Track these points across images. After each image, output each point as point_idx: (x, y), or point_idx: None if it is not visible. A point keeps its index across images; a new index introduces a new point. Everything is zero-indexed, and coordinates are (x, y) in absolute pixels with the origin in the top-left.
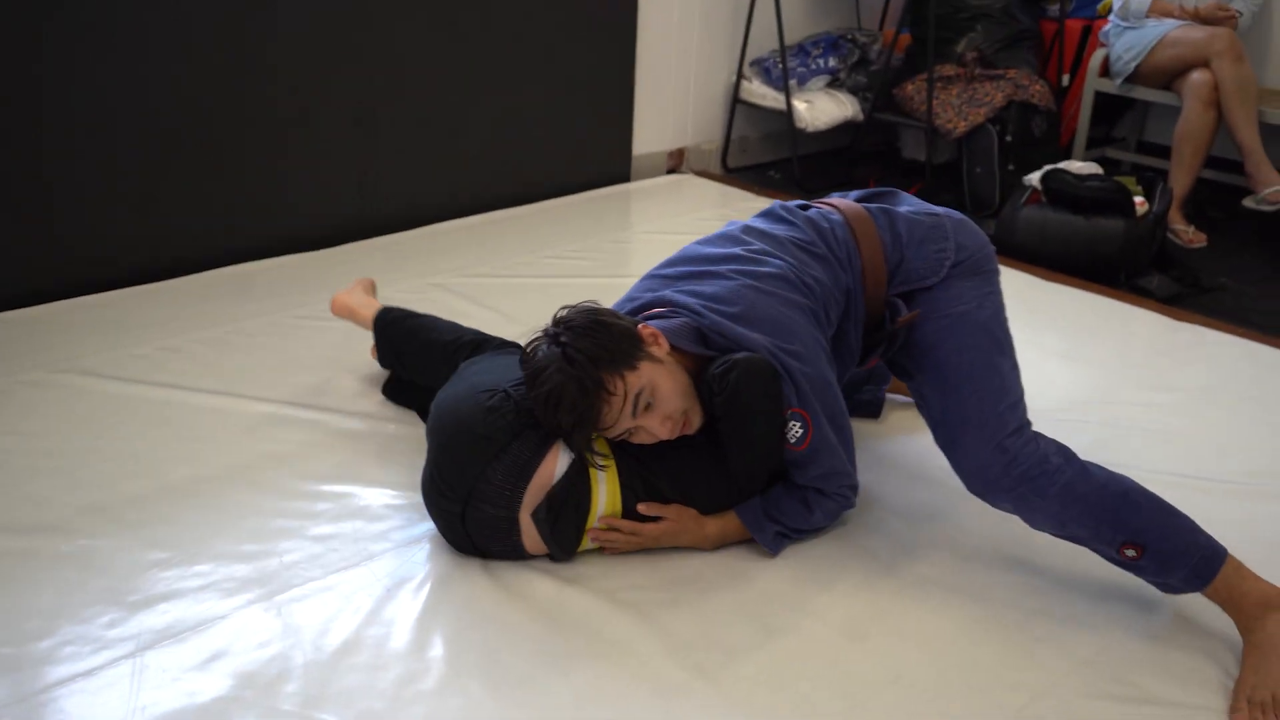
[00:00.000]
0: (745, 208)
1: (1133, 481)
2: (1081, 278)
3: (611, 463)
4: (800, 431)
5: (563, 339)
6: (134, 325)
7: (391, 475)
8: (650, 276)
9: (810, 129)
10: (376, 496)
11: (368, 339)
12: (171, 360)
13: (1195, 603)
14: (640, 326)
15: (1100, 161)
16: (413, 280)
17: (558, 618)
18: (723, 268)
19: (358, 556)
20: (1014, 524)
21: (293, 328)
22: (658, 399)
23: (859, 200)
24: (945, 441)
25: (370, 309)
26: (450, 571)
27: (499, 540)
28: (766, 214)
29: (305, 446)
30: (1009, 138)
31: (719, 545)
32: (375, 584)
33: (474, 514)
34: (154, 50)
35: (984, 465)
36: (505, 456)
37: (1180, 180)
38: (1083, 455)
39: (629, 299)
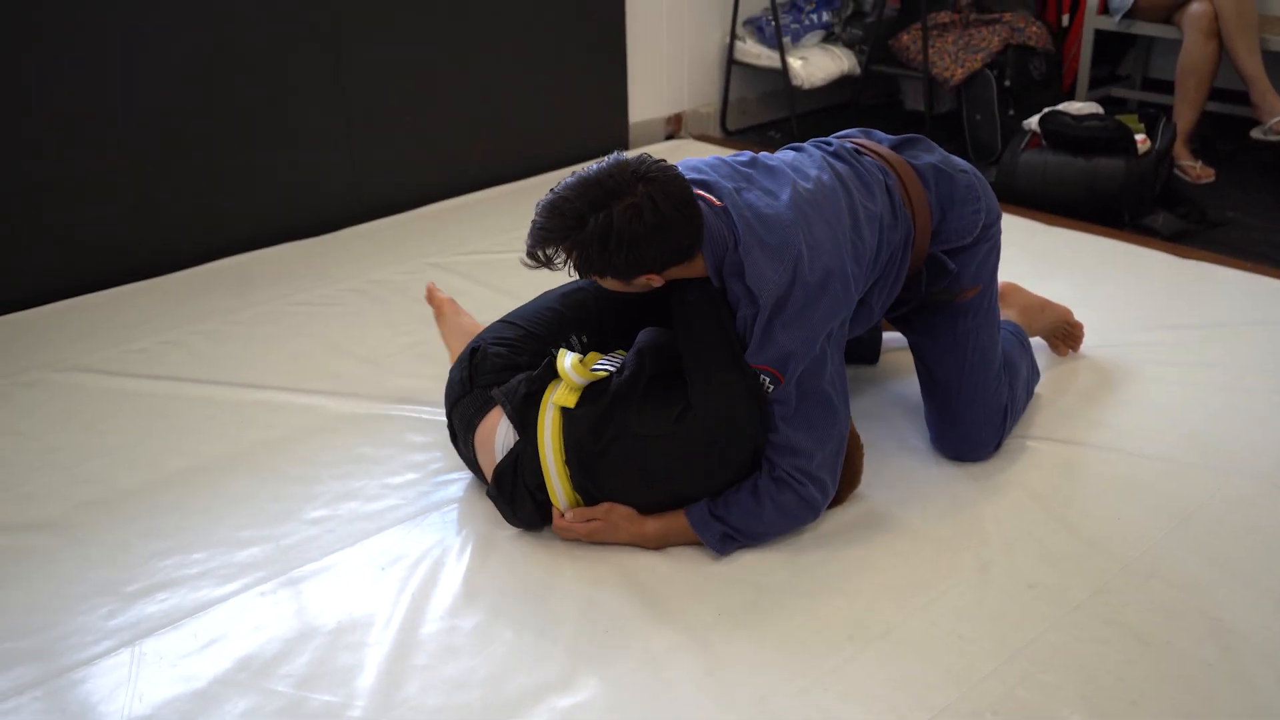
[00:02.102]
0: None
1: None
2: (1085, 220)
3: (560, 448)
4: (771, 385)
5: (644, 200)
6: (132, 322)
7: (387, 455)
8: (721, 160)
9: (806, 86)
10: (372, 477)
11: (356, 322)
12: (170, 354)
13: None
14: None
15: (1105, 101)
16: (410, 261)
17: (549, 594)
18: (789, 191)
19: (353, 537)
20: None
21: (289, 315)
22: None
23: (895, 148)
24: (946, 415)
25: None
26: (444, 551)
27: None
28: (836, 155)
29: (301, 431)
30: (1008, 82)
31: (662, 545)
32: (370, 564)
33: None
34: (137, 50)
35: (981, 444)
36: (458, 407)
37: (1185, 115)
38: (1094, 396)
39: (698, 170)
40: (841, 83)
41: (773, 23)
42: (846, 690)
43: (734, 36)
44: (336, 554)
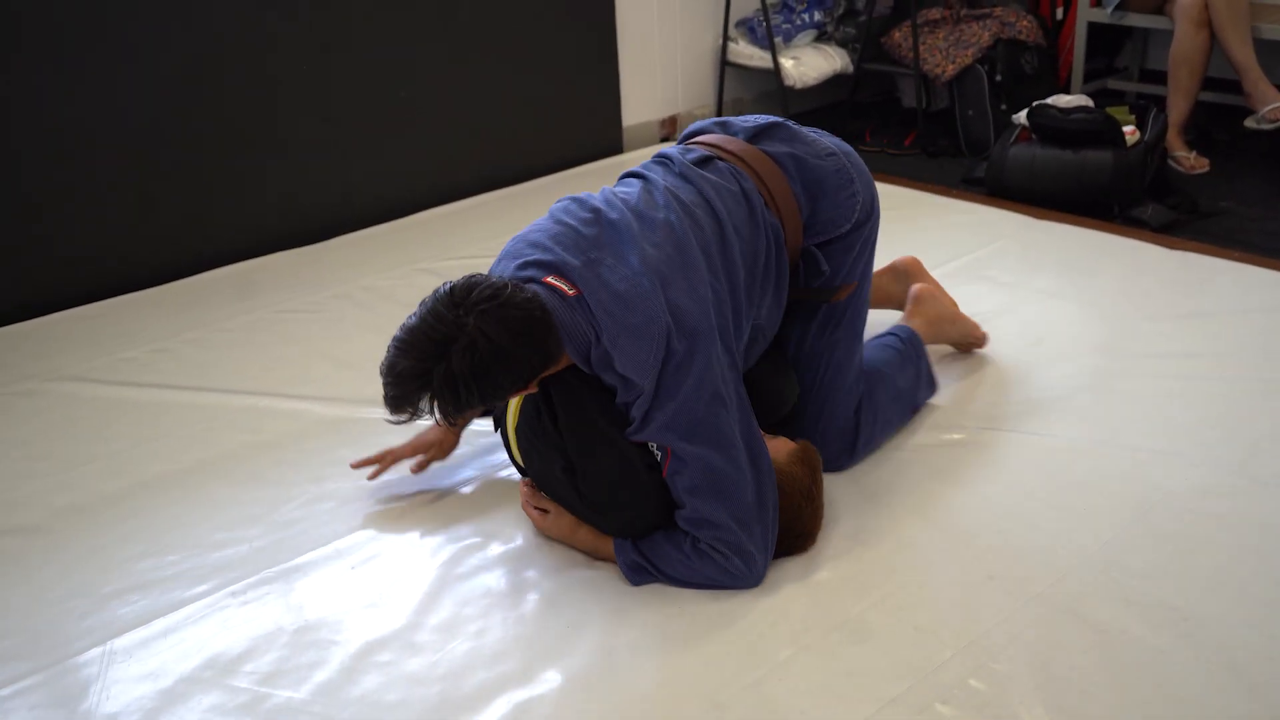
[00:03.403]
0: None
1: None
2: (1075, 213)
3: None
4: (659, 454)
5: (477, 337)
6: (123, 331)
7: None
8: (564, 224)
9: (799, 86)
10: (348, 479)
11: (342, 329)
12: (160, 362)
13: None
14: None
15: (1102, 93)
16: (400, 268)
17: (515, 593)
18: (637, 252)
19: (325, 538)
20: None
21: (278, 323)
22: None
23: (752, 139)
24: (794, 425)
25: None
26: (414, 550)
27: None
28: (681, 176)
29: (283, 436)
30: (999, 77)
31: (593, 555)
32: (340, 564)
33: None
34: (124, 59)
35: (829, 458)
36: None
37: (1178, 105)
38: (1090, 390)
39: (543, 248)
40: (835, 81)
41: (763, 23)
42: (797, 682)
43: (726, 38)
44: (308, 554)
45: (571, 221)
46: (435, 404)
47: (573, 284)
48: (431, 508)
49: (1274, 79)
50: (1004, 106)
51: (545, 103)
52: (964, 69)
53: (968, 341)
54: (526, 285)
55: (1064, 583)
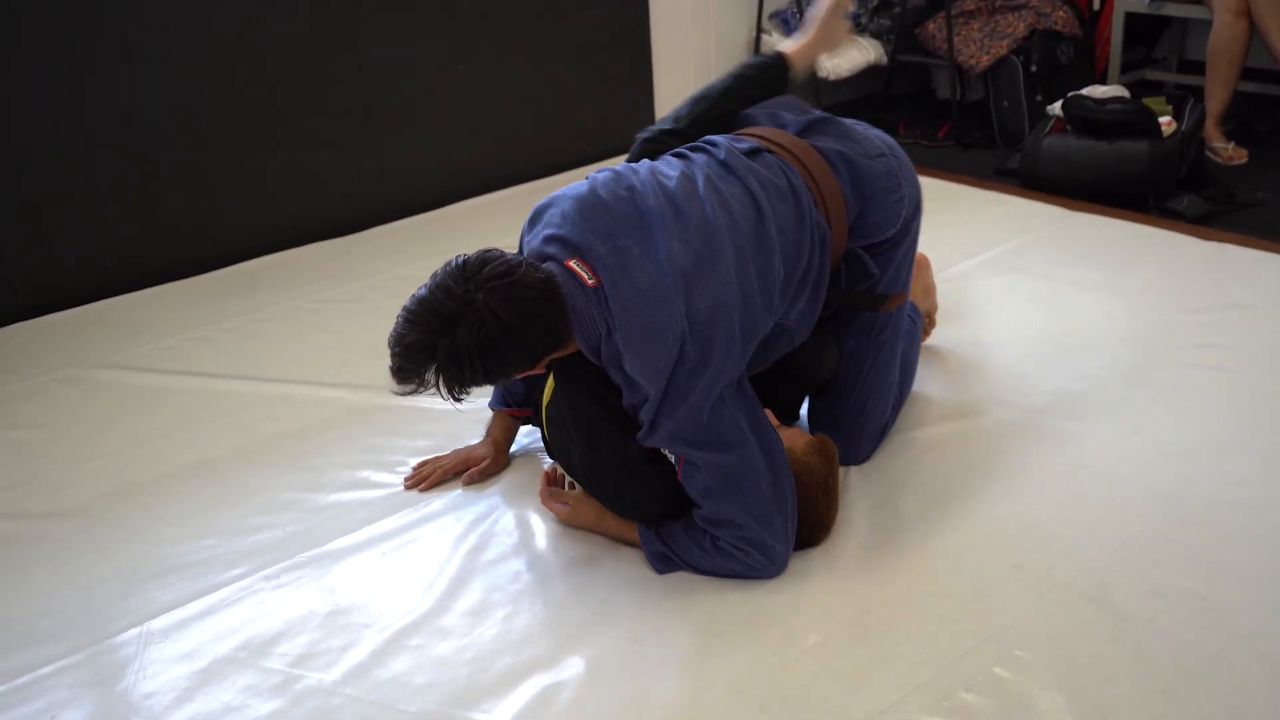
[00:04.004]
0: None
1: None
2: (1111, 204)
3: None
4: (671, 457)
5: (485, 314)
6: (160, 321)
7: (397, 444)
8: (599, 199)
9: (832, 77)
10: (381, 466)
11: (376, 319)
12: (196, 350)
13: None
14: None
15: (1140, 84)
16: (432, 259)
17: (543, 579)
18: (665, 246)
19: (357, 523)
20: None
21: (311, 313)
22: None
23: (802, 133)
24: (829, 420)
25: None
26: (444, 536)
27: None
28: (725, 165)
29: (317, 423)
30: (1034, 68)
31: (620, 540)
32: (372, 549)
33: None
34: (152, 57)
35: (856, 455)
36: None
37: (1217, 95)
38: (1120, 381)
39: (571, 225)
40: (869, 73)
41: (798, 14)
42: (822, 668)
43: (760, 30)
44: (340, 539)
45: (606, 198)
46: (440, 378)
47: (594, 272)
48: (461, 495)
49: None
50: (1039, 98)
51: (578, 95)
52: (999, 60)
53: (925, 320)
54: (544, 264)
55: (1089, 572)
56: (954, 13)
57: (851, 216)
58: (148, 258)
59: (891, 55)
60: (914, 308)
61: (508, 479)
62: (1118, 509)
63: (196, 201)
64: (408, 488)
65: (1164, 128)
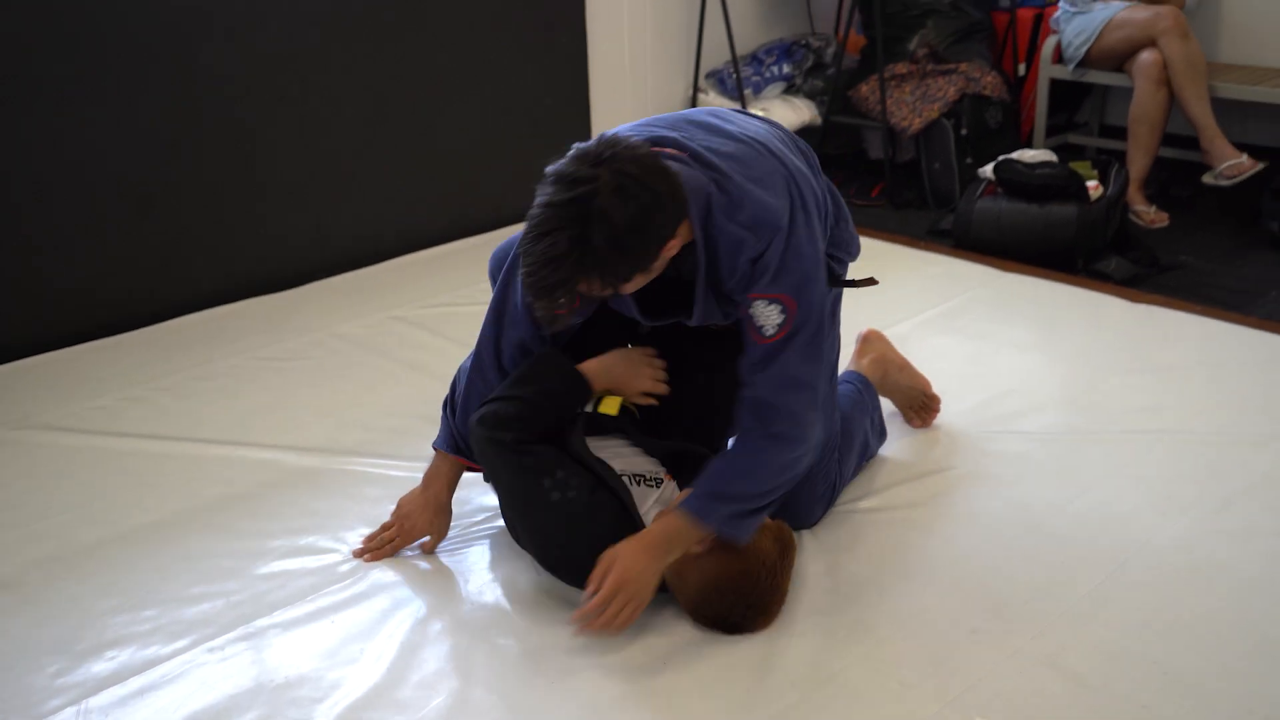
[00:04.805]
0: None
1: None
2: (1041, 265)
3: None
4: (780, 317)
5: (622, 176)
6: (95, 378)
7: (340, 509)
8: (663, 117)
9: None
10: (325, 531)
11: (317, 377)
12: (132, 410)
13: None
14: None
15: (1063, 147)
16: (373, 315)
17: (496, 647)
18: (732, 134)
19: (303, 592)
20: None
21: (252, 370)
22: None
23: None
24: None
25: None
26: (394, 604)
27: None
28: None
29: (257, 486)
30: (964, 131)
31: (688, 546)
32: (319, 618)
33: None
34: (101, 106)
35: (808, 517)
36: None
37: (1138, 161)
38: (1061, 443)
39: (645, 126)
40: (803, 133)
41: (734, 75)
42: None
43: (697, 88)
44: (286, 609)
45: (660, 118)
46: (598, 276)
47: (680, 149)
48: (410, 561)
49: (1231, 137)
50: (969, 160)
51: (517, 149)
52: (930, 123)
53: (916, 394)
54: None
55: (1046, 636)
56: (886, 76)
57: (829, 224)
58: (75, 312)
59: (825, 116)
60: (863, 379)
61: (456, 546)
62: (1068, 571)
63: (130, 256)
64: (355, 555)
65: (1091, 192)
